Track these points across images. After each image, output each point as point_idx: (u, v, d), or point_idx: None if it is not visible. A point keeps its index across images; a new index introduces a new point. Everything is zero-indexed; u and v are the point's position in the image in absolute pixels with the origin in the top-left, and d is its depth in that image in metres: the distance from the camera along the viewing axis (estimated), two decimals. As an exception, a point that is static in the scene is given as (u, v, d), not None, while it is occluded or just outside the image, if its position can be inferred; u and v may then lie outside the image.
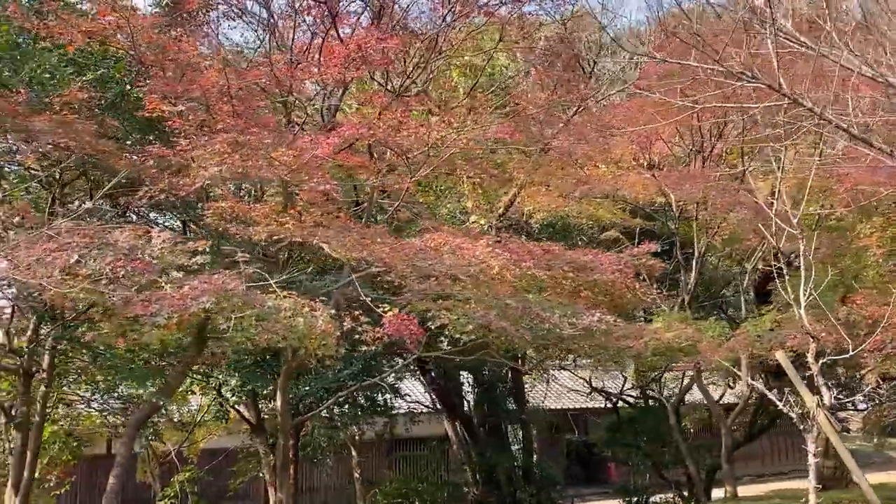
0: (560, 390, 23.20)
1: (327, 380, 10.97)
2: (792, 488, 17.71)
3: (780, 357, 7.97)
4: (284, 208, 6.44)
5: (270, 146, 5.84)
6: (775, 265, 12.57)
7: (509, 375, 14.78)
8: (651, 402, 18.38)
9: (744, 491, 16.42)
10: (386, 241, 6.14)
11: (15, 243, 5.31)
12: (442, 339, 10.22)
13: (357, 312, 5.93)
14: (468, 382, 17.13)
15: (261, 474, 15.45)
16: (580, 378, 19.89)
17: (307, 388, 11.21)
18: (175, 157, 6.97)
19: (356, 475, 17.04)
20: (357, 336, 5.95)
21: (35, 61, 7.16)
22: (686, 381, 18.99)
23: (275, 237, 6.51)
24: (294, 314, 5.30)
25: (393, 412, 15.29)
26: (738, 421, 20.37)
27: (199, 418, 15.18)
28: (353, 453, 16.81)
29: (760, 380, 13.04)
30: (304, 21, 9.34)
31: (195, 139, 6.12)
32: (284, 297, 5.49)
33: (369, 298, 6.44)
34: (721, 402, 19.74)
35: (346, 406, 12.30)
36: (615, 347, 8.03)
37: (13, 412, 8.99)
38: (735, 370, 11.18)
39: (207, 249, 5.70)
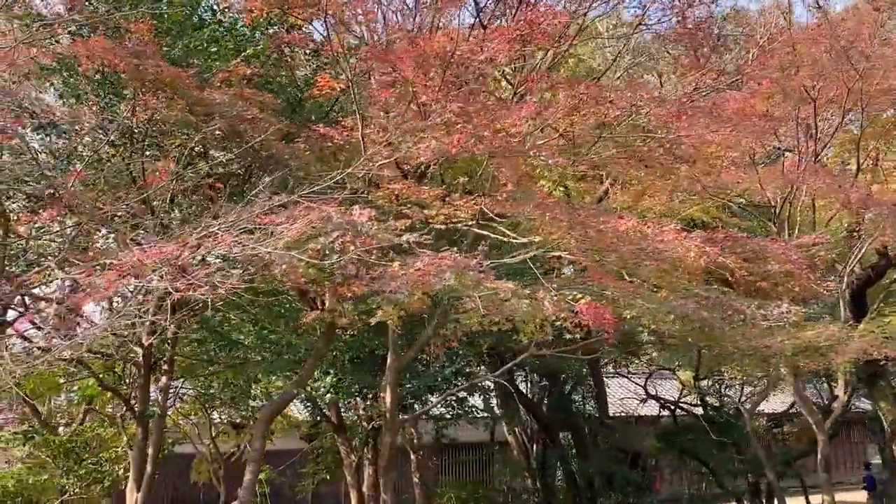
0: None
1: (429, 378, 10.67)
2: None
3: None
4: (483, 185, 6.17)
5: (495, 118, 5.55)
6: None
7: (588, 379, 14.51)
8: (710, 411, 18.17)
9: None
10: (593, 223, 5.86)
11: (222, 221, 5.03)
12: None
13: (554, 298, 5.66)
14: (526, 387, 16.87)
15: (327, 476, 15.21)
16: (636, 384, 19.64)
17: (409, 386, 10.90)
18: (349, 136, 6.74)
19: (415, 479, 16.69)
20: (559, 323, 5.68)
21: (194, 35, 6.92)
22: (732, 386, 18.97)
23: (453, 220, 6.26)
24: (517, 297, 5.04)
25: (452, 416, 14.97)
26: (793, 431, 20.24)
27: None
28: (412, 457, 16.48)
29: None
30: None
31: (402, 115, 5.86)
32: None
33: (554, 286, 6.19)
34: (772, 410, 19.67)
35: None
36: (762, 346, 7.80)
37: (133, 404, 8.63)
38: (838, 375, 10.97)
39: (418, 227, 5.46)
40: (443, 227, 6.24)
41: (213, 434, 13.74)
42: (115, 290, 4.28)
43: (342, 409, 12.62)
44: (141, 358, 8.27)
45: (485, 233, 6.12)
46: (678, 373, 19.34)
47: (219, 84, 6.47)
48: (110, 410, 12.26)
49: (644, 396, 19.09)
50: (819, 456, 12.75)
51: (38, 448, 9.92)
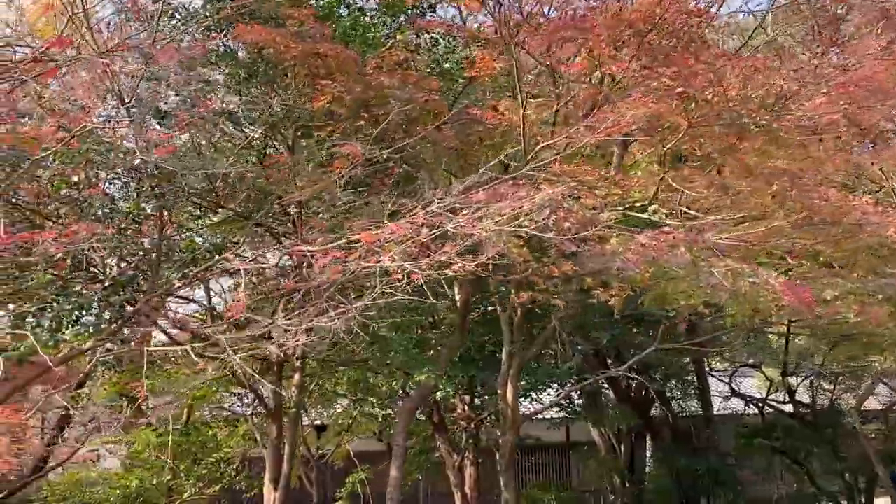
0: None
1: (545, 373, 10.40)
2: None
3: None
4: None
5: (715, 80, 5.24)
6: None
7: (688, 374, 14.12)
8: (801, 408, 17.58)
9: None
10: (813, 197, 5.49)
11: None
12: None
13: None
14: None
15: (420, 477, 15.02)
16: (718, 381, 19.12)
17: (523, 382, 10.65)
18: (500, 119, 6.54)
19: (502, 481, 16.44)
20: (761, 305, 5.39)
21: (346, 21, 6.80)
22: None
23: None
24: (740, 277, 4.77)
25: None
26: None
27: (350, 420, 14.67)
28: (497, 458, 16.22)
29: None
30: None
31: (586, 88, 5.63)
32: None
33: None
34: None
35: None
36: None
37: (266, 402, 8.53)
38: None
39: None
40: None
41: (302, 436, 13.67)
42: (356, 268, 4.07)
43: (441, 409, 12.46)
44: (274, 355, 8.17)
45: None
46: (764, 369, 18.79)
47: (370, 70, 6.34)
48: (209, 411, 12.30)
49: (728, 394, 18.62)
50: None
51: (158, 449, 9.90)
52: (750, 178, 5.54)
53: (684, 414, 14.81)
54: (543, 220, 4.54)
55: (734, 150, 5.62)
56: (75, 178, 6.31)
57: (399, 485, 7.63)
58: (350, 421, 14.62)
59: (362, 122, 6.40)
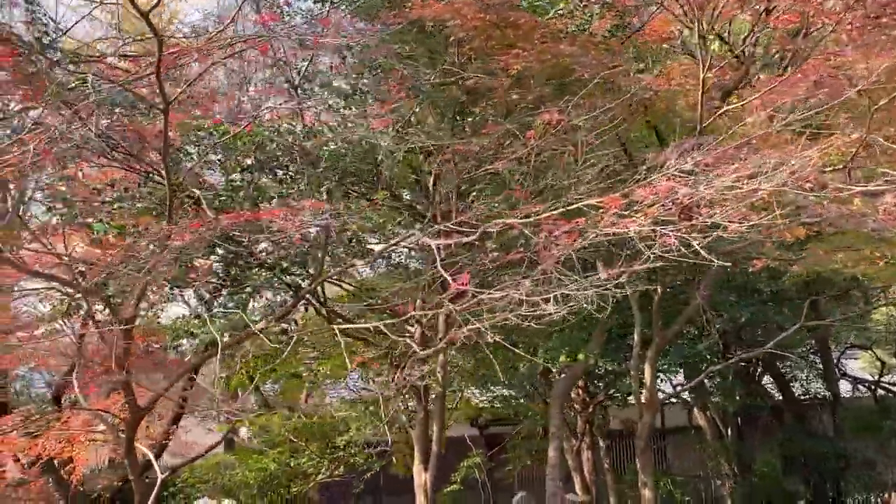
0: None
1: (681, 353, 10.12)
2: None
3: None
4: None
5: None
6: None
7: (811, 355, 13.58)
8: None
9: None
10: None
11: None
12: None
13: None
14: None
15: (528, 462, 14.93)
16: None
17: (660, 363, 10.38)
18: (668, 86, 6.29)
19: (605, 466, 16.22)
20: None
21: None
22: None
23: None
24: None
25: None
26: None
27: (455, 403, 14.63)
28: (601, 443, 15.98)
29: None
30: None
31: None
32: None
33: None
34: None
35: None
36: None
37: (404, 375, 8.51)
38: None
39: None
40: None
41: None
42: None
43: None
44: (418, 335, 8.14)
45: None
46: (874, 349, 17.98)
47: (544, 39, 6.15)
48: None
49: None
50: None
51: (295, 432, 10.05)
52: None
53: (806, 396, 14.26)
54: (783, 183, 4.28)
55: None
56: (248, 162, 6.36)
57: (557, 465, 7.51)
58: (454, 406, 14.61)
59: (515, 95, 6.26)
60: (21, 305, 10.31)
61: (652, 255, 3.78)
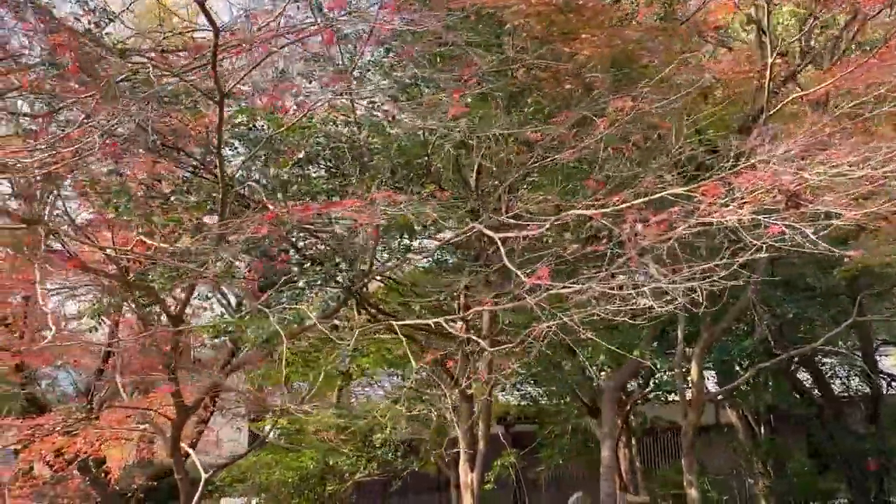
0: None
1: (725, 350, 9.89)
2: None
3: None
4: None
5: None
6: None
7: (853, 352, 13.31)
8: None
9: None
10: None
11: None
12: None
13: None
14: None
15: (560, 460, 14.74)
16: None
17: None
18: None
19: (637, 463, 16.02)
20: None
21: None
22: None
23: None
24: None
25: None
26: None
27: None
28: (633, 440, 15.76)
29: None
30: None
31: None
32: None
33: None
34: None
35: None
36: None
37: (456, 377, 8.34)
38: None
39: None
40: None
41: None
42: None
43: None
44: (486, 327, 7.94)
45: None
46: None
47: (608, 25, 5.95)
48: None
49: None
50: None
51: (331, 431, 9.90)
52: None
53: (847, 394, 13.99)
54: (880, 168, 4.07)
55: None
56: (300, 155, 6.21)
57: (611, 464, 7.33)
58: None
59: (572, 84, 6.08)
60: (52, 303, 10.21)
61: (764, 245, 3.58)
